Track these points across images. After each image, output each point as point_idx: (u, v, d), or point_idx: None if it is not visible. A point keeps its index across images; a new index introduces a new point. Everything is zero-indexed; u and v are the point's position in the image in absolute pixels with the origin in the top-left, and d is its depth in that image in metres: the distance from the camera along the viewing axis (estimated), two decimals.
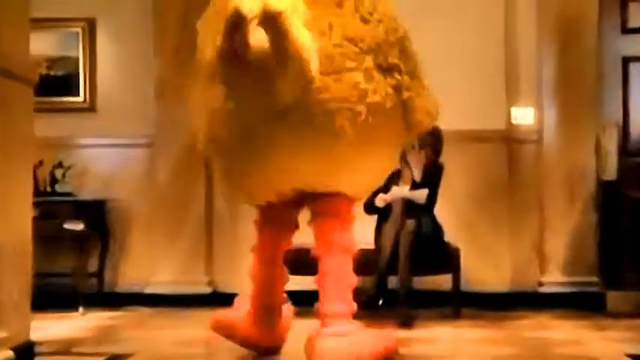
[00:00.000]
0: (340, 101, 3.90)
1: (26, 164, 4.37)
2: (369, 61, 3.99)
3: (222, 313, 4.73)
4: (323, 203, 4.18)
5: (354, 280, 4.18)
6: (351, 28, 3.98)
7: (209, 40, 4.04)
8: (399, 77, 4.08)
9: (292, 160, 3.98)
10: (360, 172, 4.12)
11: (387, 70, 4.06)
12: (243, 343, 4.56)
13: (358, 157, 4.02)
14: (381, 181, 4.78)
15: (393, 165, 4.65)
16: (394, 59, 4.08)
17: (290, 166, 4.01)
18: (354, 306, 4.15)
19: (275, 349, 4.57)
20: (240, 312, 4.57)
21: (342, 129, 3.91)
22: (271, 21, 3.73)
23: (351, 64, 3.94)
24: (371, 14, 4.08)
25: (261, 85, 3.88)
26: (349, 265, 4.17)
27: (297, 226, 4.50)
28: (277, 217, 4.40)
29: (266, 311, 4.47)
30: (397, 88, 4.09)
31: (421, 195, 5.88)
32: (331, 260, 4.13)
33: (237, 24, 3.76)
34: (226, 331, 4.60)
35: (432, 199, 5.93)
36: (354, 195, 4.27)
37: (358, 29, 3.99)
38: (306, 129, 3.91)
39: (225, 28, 3.81)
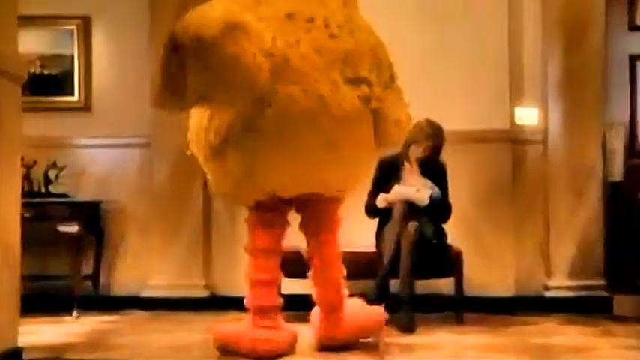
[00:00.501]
0: (306, 112, 4.15)
1: (14, 163, 4.29)
2: (335, 74, 4.23)
3: (224, 327, 4.80)
4: (308, 205, 4.60)
5: (344, 270, 4.74)
6: (318, 41, 4.22)
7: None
8: (366, 89, 4.31)
9: (268, 166, 4.30)
10: (334, 176, 4.41)
11: (354, 81, 4.30)
12: (250, 353, 4.57)
13: (329, 162, 4.29)
14: (363, 182, 4.94)
15: (369, 170, 4.91)
16: (364, 71, 4.32)
17: (266, 170, 4.32)
18: (346, 292, 4.72)
19: (280, 353, 4.63)
20: (242, 324, 4.67)
21: (305, 139, 4.19)
22: (205, 49, 3.90)
23: (316, 75, 4.17)
24: (341, 27, 4.32)
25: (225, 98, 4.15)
26: (339, 260, 4.71)
27: (288, 224, 4.74)
28: (267, 216, 4.61)
29: (264, 312, 4.57)
30: (365, 99, 4.32)
31: (422, 198, 5.78)
32: (322, 260, 4.64)
33: (174, 49, 3.95)
34: (231, 344, 4.66)
35: (445, 207, 5.87)
36: (331, 195, 4.59)
37: (325, 42, 4.24)
38: (273, 137, 4.19)
39: (164, 53, 4.00)
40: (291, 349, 4.70)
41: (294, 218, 4.80)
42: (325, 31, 4.28)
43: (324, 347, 4.80)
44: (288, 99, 4.16)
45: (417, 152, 5.88)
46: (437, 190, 5.81)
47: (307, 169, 4.32)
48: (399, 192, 5.79)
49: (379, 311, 4.99)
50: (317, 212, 4.67)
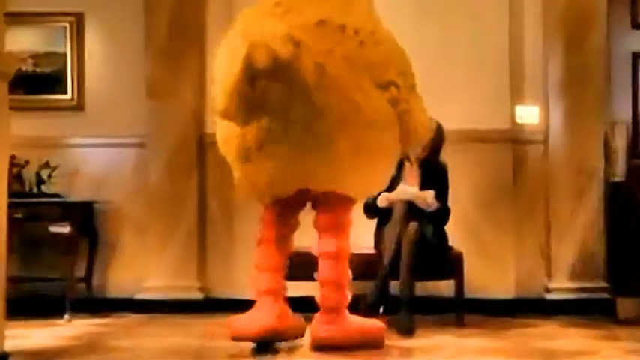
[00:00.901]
0: (341, 119, 4.48)
1: (2, 163, 4.20)
2: (365, 80, 4.54)
3: (238, 318, 4.94)
4: (323, 202, 4.84)
5: (349, 273, 4.84)
6: (350, 50, 4.50)
7: (227, 68, 4.48)
8: (395, 91, 4.64)
9: (302, 164, 4.60)
10: (360, 179, 4.72)
11: (383, 85, 4.63)
12: (258, 336, 4.80)
13: (357, 165, 4.60)
14: (382, 187, 5.20)
15: (390, 174, 5.15)
16: (391, 75, 4.64)
17: (301, 168, 4.62)
18: (349, 297, 4.83)
19: (294, 336, 4.92)
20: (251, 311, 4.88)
21: (339, 144, 4.51)
22: (282, 70, 4.28)
23: (349, 83, 4.47)
24: (369, 35, 4.62)
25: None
26: (345, 264, 4.83)
27: (298, 224, 5.03)
28: (281, 213, 4.90)
29: (273, 296, 4.83)
30: (393, 101, 4.65)
31: (425, 197, 5.74)
32: (329, 262, 4.78)
33: (252, 76, 4.31)
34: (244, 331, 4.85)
35: (444, 210, 5.84)
36: (356, 196, 4.89)
37: (355, 50, 4.53)
38: (309, 142, 4.52)
39: (242, 78, 4.34)
40: (298, 333, 4.93)
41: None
42: (355, 39, 4.56)
43: (319, 348, 4.83)
44: (325, 107, 4.44)
45: (416, 151, 5.81)
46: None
47: (338, 174, 4.63)
48: (403, 192, 5.73)
49: (378, 325, 4.99)
50: (329, 210, 4.84)
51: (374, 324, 4.96)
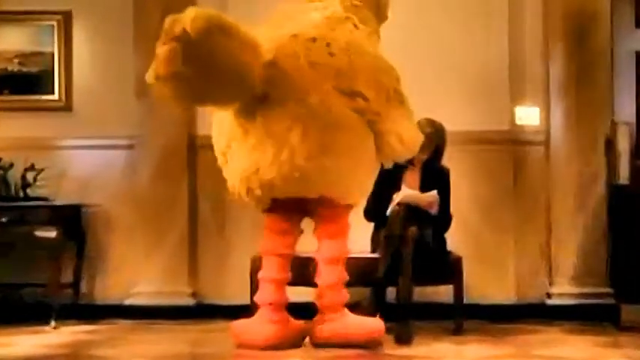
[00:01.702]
0: (296, 120, 4.67)
1: None
2: (327, 85, 4.72)
3: (239, 322, 5.09)
4: (316, 211, 5.04)
5: (343, 276, 5.04)
6: (316, 56, 4.75)
7: None
8: (362, 102, 4.80)
9: (262, 170, 4.79)
10: (325, 180, 4.83)
11: (349, 94, 4.79)
12: (259, 345, 4.95)
13: (318, 167, 4.73)
14: (362, 191, 5.22)
15: (368, 179, 5.18)
16: (359, 87, 4.80)
17: (261, 174, 4.81)
18: (347, 296, 5.03)
19: (297, 343, 5.07)
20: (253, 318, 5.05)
21: (295, 144, 4.68)
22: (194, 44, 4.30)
23: (309, 86, 4.68)
24: (341, 49, 4.83)
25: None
26: (336, 264, 5.02)
27: (300, 231, 5.17)
28: (279, 222, 5.05)
29: (276, 308, 4.98)
30: (360, 111, 4.82)
31: (427, 198, 5.68)
32: (329, 267, 5.00)
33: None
34: (244, 338, 5.02)
35: (445, 215, 5.80)
36: (338, 199, 4.98)
37: (321, 58, 4.76)
38: (268, 142, 4.72)
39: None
40: (300, 340, 5.07)
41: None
42: (325, 49, 4.79)
43: (319, 347, 4.98)
44: (281, 107, 4.66)
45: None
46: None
47: (296, 174, 4.74)
48: (409, 195, 5.66)
49: (378, 324, 5.08)
50: (322, 217, 5.05)
51: (374, 323, 5.07)
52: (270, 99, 4.66)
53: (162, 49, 4.31)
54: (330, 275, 5.00)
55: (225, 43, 4.35)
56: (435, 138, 5.77)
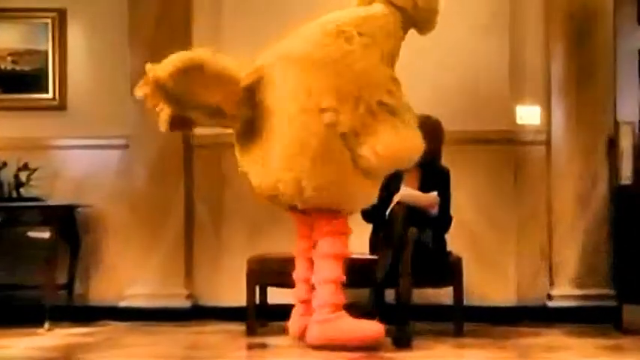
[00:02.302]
0: (274, 129, 5.10)
1: None
2: (299, 104, 5.02)
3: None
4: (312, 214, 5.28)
5: (343, 277, 5.16)
6: (292, 77, 5.09)
7: None
8: (333, 116, 5.00)
9: (252, 171, 5.32)
10: (320, 194, 5.07)
11: (320, 111, 5.02)
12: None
13: (306, 183, 5.02)
14: (360, 199, 5.33)
15: (351, 190, 5.21)
16: (327, 102, 5.02)
17: (251, 174, 5.33)
18: (343, 298, 5.14)
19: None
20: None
21: (272, 157, 5.12)
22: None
23: (283, 105, 5.06)
24: (320, 66, 5.11)
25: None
26: (340, 265, 5.17)
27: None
28: (297, 224, 5.36)
29: (304, 306, 5.25)
30: (331, 124, 5.01)
31: (428, 199, 5.63)
32: (322, 263, 5.15)
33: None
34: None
35: (445, 216, 5.75)
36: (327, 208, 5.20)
37: (295, 77, 5.09)
38: (258, 152, 5.21)
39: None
40: None
41: None
42: (302, 69, 5.08)
43: (316, 347, 5.06)
44: (260, 126, 5.12)
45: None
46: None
47: (280, 186, 5.09)
48: (409, 194, 5.59)
49: (375, 327, 5.12)
50: (316, 220, 5.25)
51: (369, 326, 5.10)
52: (253, 118, 5.14)
53: (142, 90, 5.04)
54: (323, 271, 5.11)
55: (200, 78, 4.92)
56: (432, 134, 5.66)
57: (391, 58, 5.31)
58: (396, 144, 5.11)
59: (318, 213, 5.18)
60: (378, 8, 5.34)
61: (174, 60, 4.95)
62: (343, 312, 5.10)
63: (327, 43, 5.16)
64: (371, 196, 5.31)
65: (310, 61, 5.11)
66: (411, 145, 5.19)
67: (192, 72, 4.92)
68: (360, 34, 5.19)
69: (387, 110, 5.10)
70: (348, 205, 5.23)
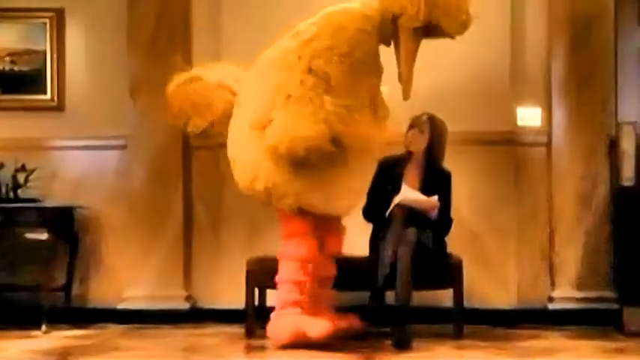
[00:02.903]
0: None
1: None
2: (257, 114, 5.43)
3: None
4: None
5: (300, 277, 5.34)
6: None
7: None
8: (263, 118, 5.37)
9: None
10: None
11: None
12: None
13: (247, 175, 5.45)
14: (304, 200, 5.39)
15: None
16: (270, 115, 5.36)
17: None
18: (298, 297, 5.32)
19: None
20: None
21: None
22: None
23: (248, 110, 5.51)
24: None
25: None
26: (291, 265, 5.37)
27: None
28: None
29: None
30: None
31: (428, 203, 5.62)
32: (281, 264, 5.43)
33: None
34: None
35: (445, 218, 5.75)
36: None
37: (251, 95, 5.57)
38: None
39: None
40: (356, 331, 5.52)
41: None
42: (253, 76, 5.56)
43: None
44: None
45: (416, 139, 5.74)
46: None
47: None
48: (407, 195, 5.59)
49: (322, 324, 5.19)
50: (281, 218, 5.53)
51: (318, 323, 5.17)
52: None
53: None
54: (279, 272, 5.39)
55: (199, 86, 5.64)
56: (433, 124, 5.72)
57: (371, 60, 5.40)
58: (281, 126, 5.26)
59: (278, 212, 5.46)
60: (357, 14, 5.35)
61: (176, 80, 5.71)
62: (297, 309, 5.24)
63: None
64: (301, 189, 5.32)
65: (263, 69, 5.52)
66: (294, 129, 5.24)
67: (193, 81, 5.75)
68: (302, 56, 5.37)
69: (303, 101, 5.25)
70: (284, 200, 5.33)
